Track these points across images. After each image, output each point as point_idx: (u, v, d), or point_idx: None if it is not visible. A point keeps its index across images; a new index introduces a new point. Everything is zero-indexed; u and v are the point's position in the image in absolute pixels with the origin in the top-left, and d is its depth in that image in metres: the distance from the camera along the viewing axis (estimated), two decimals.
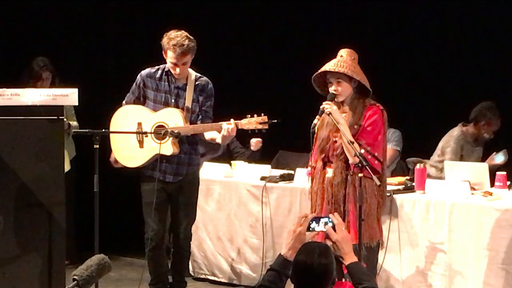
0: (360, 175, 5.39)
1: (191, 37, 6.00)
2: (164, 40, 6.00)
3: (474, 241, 5.99)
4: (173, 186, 6.14)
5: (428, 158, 7.57)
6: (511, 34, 7.84)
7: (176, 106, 6.08)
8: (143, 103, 6.18)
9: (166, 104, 6.09)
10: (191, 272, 7.25)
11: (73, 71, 7.72)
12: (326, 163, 5.68)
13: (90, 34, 8.47)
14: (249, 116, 5.90)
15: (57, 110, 5.49)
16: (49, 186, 5.48)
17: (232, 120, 5.89)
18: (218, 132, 5.95)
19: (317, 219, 4.10)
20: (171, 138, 5.98)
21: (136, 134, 6.07)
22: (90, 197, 5.80)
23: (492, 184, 6.42)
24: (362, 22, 8.43)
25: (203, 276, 7.26)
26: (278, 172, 7.10)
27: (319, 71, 5.63)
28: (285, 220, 6.77)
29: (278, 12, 8.77)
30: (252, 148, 7.70)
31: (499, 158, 7.31)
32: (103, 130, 6.07)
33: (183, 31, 6.01)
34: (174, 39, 5.94)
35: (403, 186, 6.51)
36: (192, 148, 6.17)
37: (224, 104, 6.51)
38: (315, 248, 3.79)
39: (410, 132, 7.81)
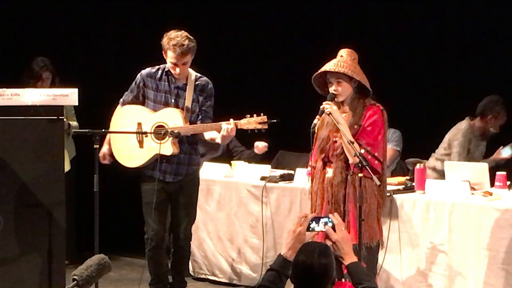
0: (360, 175, 5.39)
1: (191, 37, 6.00)
2: (164, 40, 6.00)
3: (474, 241, 5.99)
4: (173, 186, 6.14)
5: (428, 159, 7.57)
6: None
7: (176, 106, 6.08)
8: (142, 103, 6.18)
9: (166, 104, 6.10)
10: (191, 272, 7.26)
11: (73, 71, 7.72)
12: (326, 163, 5.68)
13: (90, 34, 8.46)
14: (249, 116, 5.90)
15: (57, 110, 5.49)
16: (49, 186, 5.48)
17: (231, 120, 5.89)
18: (218, 132, 5.95)
19: (317, 219, 4.10)
20: (171, 138, 5.98)
21: (136, 134, 6.07)
22: (90, 197, 5.80)
23: (492, 184, 6.42)
24: (362, 22, 8.43)
25: (203, 276, 7.26)
26: (278, 172, 7.11)
27: (319, 71, 5.63)
28: (285, 220, 6.76)
29: (278, 12, 8.77)
30: (256, 151, 7.68)
31: (506, 152, 7.32)
32: (103, 130, 6.08)
33: (183, 31, 6.01)
34: (174, 39, 5.94)
35: (403, 186, 6.51)
36: (192, 148, 6.17)
37: (224, 104, 6.51)
38: (315, 248, 3.79)
39: (410, 132, 7.81)
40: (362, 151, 5.41)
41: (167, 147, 6.01)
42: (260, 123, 5.88)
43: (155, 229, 6.12)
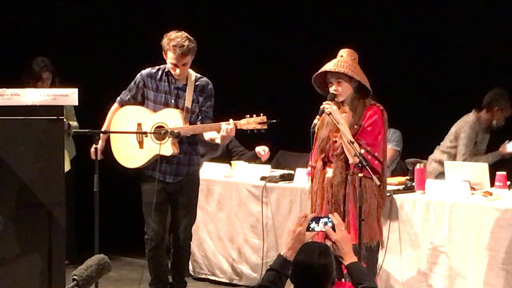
0: (360, 175, 5.39)
1: (191, 37, 6.00)
2: (164, 41, 6.00)
3: (474, 241, 5.99)
4: (173, 187, 6.14)
5: (428, 159, 7.57)
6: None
7: (176, 107, 6.08)
8: (139, 103, 6.18)
9: (166, 105, 6.10)
10: (191, 272, 7.25)
11: (73, 71, 7.72)
12: (326, 163, 5.68)
13: (90, 34, 8.46)
14: (248, 116, 5.90)
15: (57, 110, 5.50)
16: (49, 186, 5.49)
17: (231, 120, 5.89)
18: (218, 132, 5.95)
19: (316, 219, 4.10)
20: (170, 139, 5.98)
21: (136, 135, 6.07)
22: (90, 197, 5.80)
23: (492, 184, 6.42)
24: (362, 22, 8.43)
25: (203, 276, 7.26)
26: (278, 172, 7.11)
27: (320, 71, 5.63)
28: (285, 220, 6.76)
29: (278, 12, 8.77)
30: (262, 159, 7.68)
31: (511, 146, 7.32)
32: (103, 130, 6.08)
33: (183, 32, 6.01)
34: (174, 40, 5.94)
35: (403, 186, 6.51)
36: (192, 149, 6.17)
37: (223, 104, 6.51)
38: (315, 248, 3.79)
39: (410, 132, 7.81)
40: (362, 151, 5.41)
41: (167, 148, 6.00)
42: (259, 123, 5.88)
43: (155, 229, 6.12)
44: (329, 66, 5.58)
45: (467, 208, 6.05)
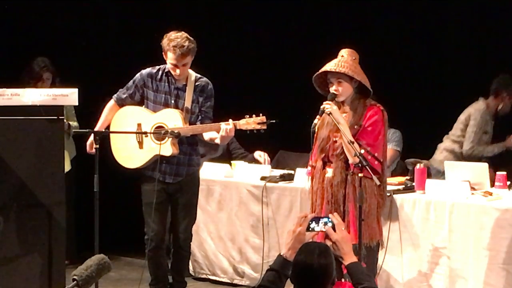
0: (360, 175, 5.39)
1: (191, 38, 6.00)
2: (164, 41, 5.99)
3: (474, 241, 5.99)
4: (173, 187, 6.14)
5: (427, 159, 7.57)
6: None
7: (176, 107, 6.08)
8: (136, 102, 6.18)
9: (166, 105, 6.09)
10: (192, 272, 7.25)
11: (73, 71, 7.72)
12: (326, 163, 5.68)
13: (90, 34, 8.46)
14: (248, 116, 5.90)
15: (57, 110, 5.50)
16: (49, 186, 5.49)
17: (230, 120, 5.89)
18: (217, 133, 5.95)
19: (316, 219, 4.10)
20: (170, 139, 5.98)
21: (136, 135, 6.07)
22: (90, 197, 5.80)
23: (492, 184, 6.42)
24: (362, 22, 8.43)
25: (204, 276, 7.26)
26: (278, 172, 7.11)
27: (320, 71, 5.63)
28: (285, 220, 6.76)
29: (278, 12, 8.76)
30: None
31: None
32: (103, 130, 6.08)
33: (183, 32, 6.01)
34: (174, 41, 5.94)
35: (403, 186, 6.51)
36: (191, 149, 6.17)
37: (223, 104, 6.51)
38: (315, 248, 3.79)
39: (410, 132, 7.81)
40: (362, 151, 5.41)
41: (167, 148, 6.00)
42: (259, 123, 5.88)
43: (155, 229, 6.12)
44: (329, 66, 5.58)
45: (467, 208, 6.05)
